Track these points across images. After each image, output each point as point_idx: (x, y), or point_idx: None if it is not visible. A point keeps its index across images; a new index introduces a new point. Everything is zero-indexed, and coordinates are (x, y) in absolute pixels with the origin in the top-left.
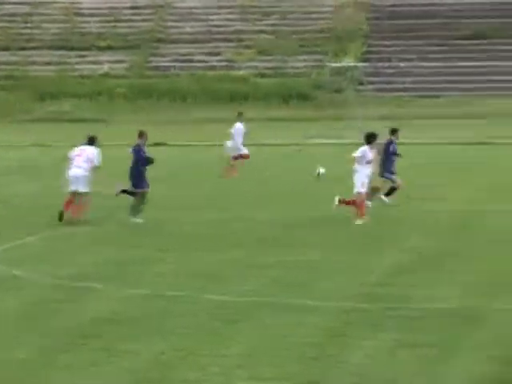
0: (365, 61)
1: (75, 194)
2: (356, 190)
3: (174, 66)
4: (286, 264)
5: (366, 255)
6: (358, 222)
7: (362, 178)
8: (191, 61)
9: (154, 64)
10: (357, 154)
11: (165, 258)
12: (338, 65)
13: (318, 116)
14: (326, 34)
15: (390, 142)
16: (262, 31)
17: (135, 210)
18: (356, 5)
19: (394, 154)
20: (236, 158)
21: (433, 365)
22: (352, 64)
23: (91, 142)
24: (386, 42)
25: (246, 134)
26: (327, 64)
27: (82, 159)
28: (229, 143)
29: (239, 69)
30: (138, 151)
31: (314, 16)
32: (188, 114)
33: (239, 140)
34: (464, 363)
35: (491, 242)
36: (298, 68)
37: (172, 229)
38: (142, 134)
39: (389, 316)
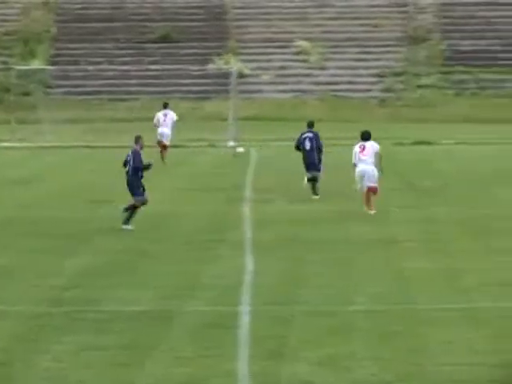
0: (53, 64)
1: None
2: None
3: None
4: None
5: (58, 257)
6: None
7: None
8: None
9: None
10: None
11: None
12: (25, 67)
13: (6, 119)
14: (12, 36)
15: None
16: None
17: (129, 218)
18: (44, 7)
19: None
20: None
21: (122, 366)
22: (40, 67)
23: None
24: (74, 45)
25: None
26: (14, 67)
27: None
28: None
29: None
30: (136, 157)
31: (0, 18)
32: None
33: None
34: (154, 365)
35: (185, 244)
36: None
37: None
38: (138, 140)
39: (78, 319)
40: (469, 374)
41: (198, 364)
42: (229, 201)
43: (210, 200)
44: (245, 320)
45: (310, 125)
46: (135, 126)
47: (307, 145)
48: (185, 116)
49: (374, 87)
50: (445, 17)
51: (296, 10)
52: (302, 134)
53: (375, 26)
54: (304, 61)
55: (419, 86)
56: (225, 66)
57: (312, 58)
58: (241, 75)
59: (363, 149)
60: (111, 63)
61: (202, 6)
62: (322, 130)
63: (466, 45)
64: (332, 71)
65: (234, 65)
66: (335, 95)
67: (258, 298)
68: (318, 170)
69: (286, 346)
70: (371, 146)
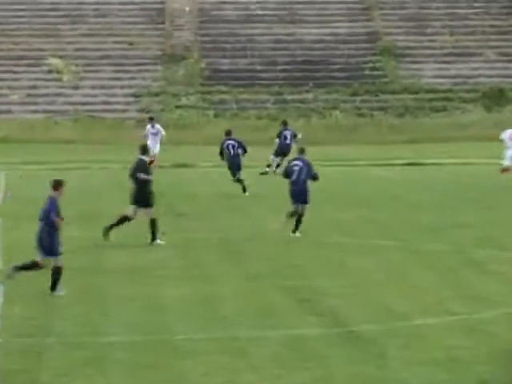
0: None
1: None
2: None
3: None
4: None
5: None
6: None
7: None
8: None
9: None
10: None
11: None
12: None
13: None
14: None
15: None
16: None
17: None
18: None
19: None
20: None
21: None
22: None
23: None
24: None
25: None
26: None
27: None
28: None
29: None
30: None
31: None
32: None
33: None
34: None
35: None
36: None
37: None
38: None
39: None
40: None
41: None
42: None
43: None
44: None
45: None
46: None
47: None
48: None
49: (131, 107)
50: (204, 34)
51: (47, 26)
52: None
53: (131, 43)
54: (56, 79)
55: (178, 107)
56: None
57: (65, 77)
58: None
59: None
60: None
61: None
62: (73, 152)
63: (226, 63)
64: (86, 90)
65: None
66: (90, 115)
67: (6, 330)
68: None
69: (38, 381)
70: None
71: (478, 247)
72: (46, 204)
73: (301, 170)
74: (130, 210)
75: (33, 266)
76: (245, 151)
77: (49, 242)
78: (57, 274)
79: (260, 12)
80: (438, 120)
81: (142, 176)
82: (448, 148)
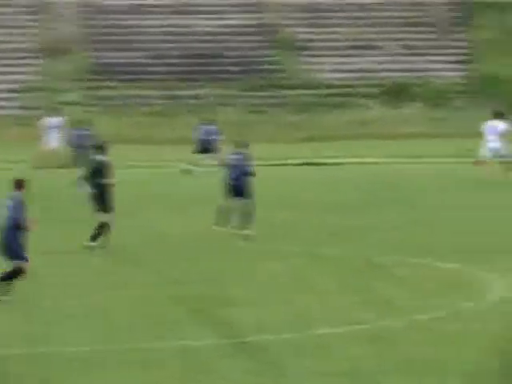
0: None
1: None
2: None
3: None
4: None
5: None
6: None
7: None
8: None
9: None
10: None
11: None
12: None
13: None
14: None
15: None
16: None
17: None
18: None
19: None
20: None
21: None
22: None
23: None
24: None
25: None
26: None
27: None
28: None
29: None
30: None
31: None
32: None
33: None
34: None
35: None
36: None
37: None
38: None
39: None
40: None
41: None
42: None
43: None
44: None
45: None
46: None
47: None
48: None
49: (10, 104)
50: (89, 26)
51: None
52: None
53: (9, 35)
54: None
55: (61, 103)
56: None
57: None
58: None
59: None
60: None
61: None
62: None
63: (113, 57)
64: None
65: None
66: None
67: None
68: None
69: None
70: None
71: (383, 251)
72: (8, 208)
73: (237, 164)
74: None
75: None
76: None
77: (15, 246)
78: (14, 274)
79: (150, 2)
80: (337, 117)
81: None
82: (348, 146)
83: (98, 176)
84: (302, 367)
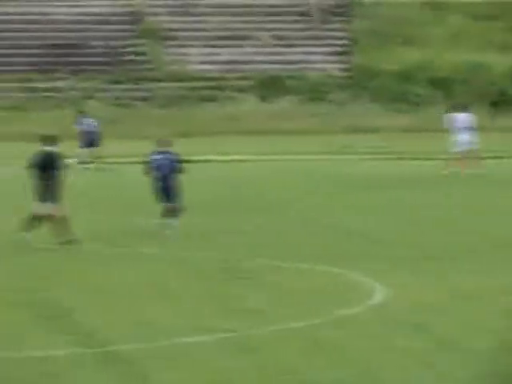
0: None
1: None
2: None
3: None
4: None
5: None
6: None
7: None
8: None
9: None
10: None
11: None
12: None
13: None
14: None
15: None
16: None
17: None
18: None
19: None
20: None
21: None
22: None
23: None
24: None
25: None
26: None
27: None
28: None
29: None
30: None
31: None
32: None
33: None
34: None
35: None
36: None
37: None
38: None
39: None
40: None
41: None
42: None
43: None
44: None
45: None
46: None
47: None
48: None
49: None
50: None
51: None
52: None
53: None
54: None
55: None
56: None
57: None
58: None
59: None
60: None
61: None
62: None
63: None
64: None
65: None
66: None
67: None
68: None
69: None
70: None
71: (248, 255)
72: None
73: (164, 164)
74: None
75: None
76: None
77: None
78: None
79: None
80: (207, 111)
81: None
82: (218, 142)
83: (48, 167)
84: (167, 379)
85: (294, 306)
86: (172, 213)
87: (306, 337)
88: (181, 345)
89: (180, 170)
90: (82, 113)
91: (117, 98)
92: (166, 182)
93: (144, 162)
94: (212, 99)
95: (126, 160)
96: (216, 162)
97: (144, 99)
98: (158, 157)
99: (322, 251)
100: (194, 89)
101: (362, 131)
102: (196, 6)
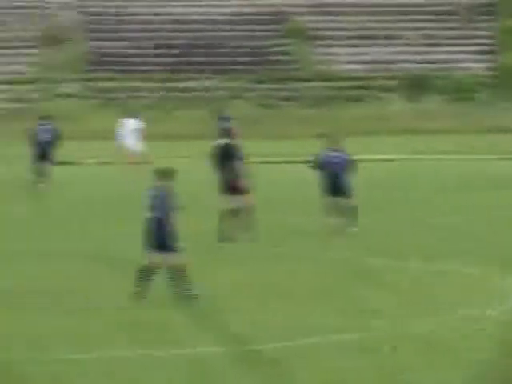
0: None
1: None
2: None
3: None
4: None
5: None
6: None
7: None
8: None
9: None
10: None
11: None
12: None
13: None
14: None
15: None
16: None
17: None
18: None
19: None
20: None
21: None
22: None
23: None
24: None
25: None
26: None
27: None
28: None
29: None
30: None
31: None
32: None
33: None
34: None
35: None
36: None
37: None
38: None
39: None
40: None
41: None
42: None
43: None
44: None
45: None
46: None
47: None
48: None
49: (2, 96)
50: (88, 13)
51: None
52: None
53: (2, 24)
54: None
55: (58, 95)
56: None
57: None
58: None
59: None
60: None
61: None
62: None
63: (113, 47)
64: None
65: None
66: None
67: None
68: None
69: None
70: None
71: (369, 255)
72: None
73: (337, 162)
74: None
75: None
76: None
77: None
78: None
79: None
80: (353, 111)
81: None
82: (365, 142)
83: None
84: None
85: (415, 305)
86: (350, 212)
87: (426, 337)
88: (313, 345)
89: (353, 169)
90: (222, 112)
91: (261, 98)
92: (338, 180)
93: (311, 159)
94: (358, 99)
95: (268, 160)
96: (364, 161)
97: (288, 99)
98: (332, 154)
99: (448, 251)
100: (340, 88)
101: (508, 131)
102: (337, 5)
